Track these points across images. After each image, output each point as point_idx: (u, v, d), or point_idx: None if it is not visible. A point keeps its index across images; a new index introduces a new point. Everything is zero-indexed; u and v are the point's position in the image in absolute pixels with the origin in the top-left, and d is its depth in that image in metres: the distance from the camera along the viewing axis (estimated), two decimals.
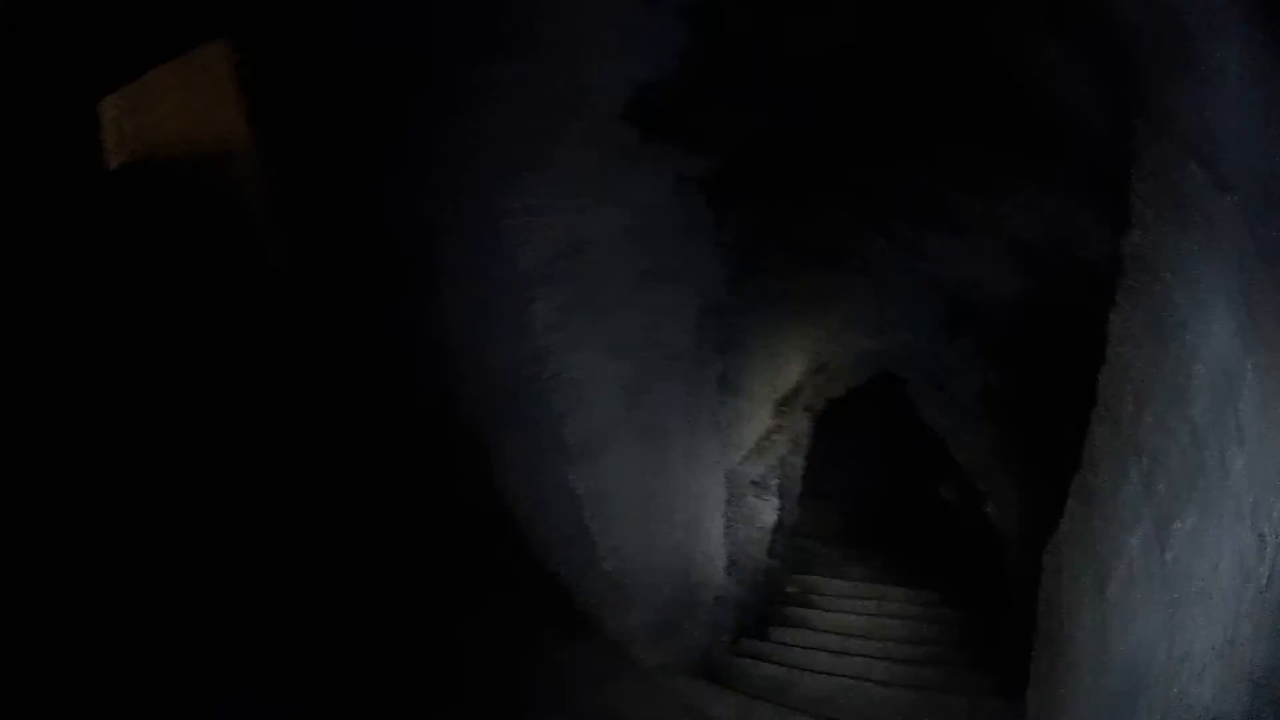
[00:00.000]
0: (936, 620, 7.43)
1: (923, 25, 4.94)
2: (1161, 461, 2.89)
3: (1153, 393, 3.04)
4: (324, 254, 4.03)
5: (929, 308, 7.06)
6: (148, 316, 3.63)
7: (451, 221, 3.79)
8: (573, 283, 4.06)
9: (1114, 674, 3.12)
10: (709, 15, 4.15)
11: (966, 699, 5.19)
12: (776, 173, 5.83)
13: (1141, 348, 3.19)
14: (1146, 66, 3.03)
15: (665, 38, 4.09)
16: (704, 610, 5.64)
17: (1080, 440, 4.14)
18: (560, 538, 4.45)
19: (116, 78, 3.51)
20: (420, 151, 3.67)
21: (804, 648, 6.23)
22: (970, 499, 8.53)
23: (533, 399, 4.10)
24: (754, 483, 7.35)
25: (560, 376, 4.09)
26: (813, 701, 5.05)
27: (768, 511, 7.62)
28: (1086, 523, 3.86)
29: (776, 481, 7.80)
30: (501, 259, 3.80)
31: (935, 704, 5.12)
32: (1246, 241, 2.29)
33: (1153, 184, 3.06)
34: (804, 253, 6.55)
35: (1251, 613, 2.10)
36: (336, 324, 4.17)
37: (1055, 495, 6.29)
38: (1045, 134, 5.06)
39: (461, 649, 3.98)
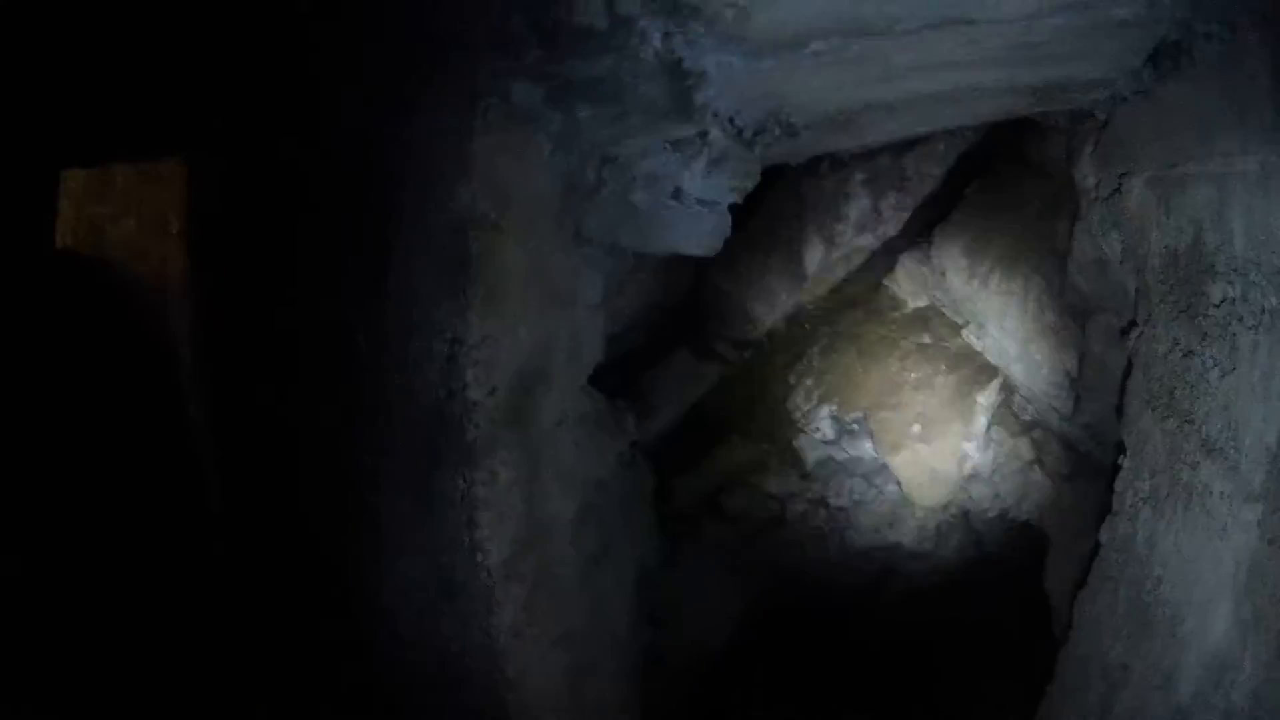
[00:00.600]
0: None
1: None
2: None
3: (1130, 680, 3.17)
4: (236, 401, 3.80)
5: (854, 570, 7.13)
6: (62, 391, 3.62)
7: (411, 499, 3.45)
8: (532, 579, 3.78)
9: None
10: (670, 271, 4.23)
11: None
12: (715, 441, 5.93)
13: (1120, 638, 3.33)
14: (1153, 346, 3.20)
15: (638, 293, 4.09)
16: None
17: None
18: None
19: (79, 157, 3.60)
20: (358, 421, 3.44)
21: None
22: None
23: (483, 695, 3.74)
24: None
25: (517, 680, 3.73)
26: None
27: None
28: None
29: None
30: (467, 552, 3.46)
31: None
32: (1257, 543, 2.49)
33: (1157, 480, 3.22)
34: (737, 523, 6.63)
35: None
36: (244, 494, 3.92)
37: None
38: (995, 405, 5.28)
39: None
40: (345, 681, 3.91)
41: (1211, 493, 2.72)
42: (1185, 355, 2.98)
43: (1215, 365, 2.76)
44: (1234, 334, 2.68)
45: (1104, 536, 3.59)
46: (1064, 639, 3.90)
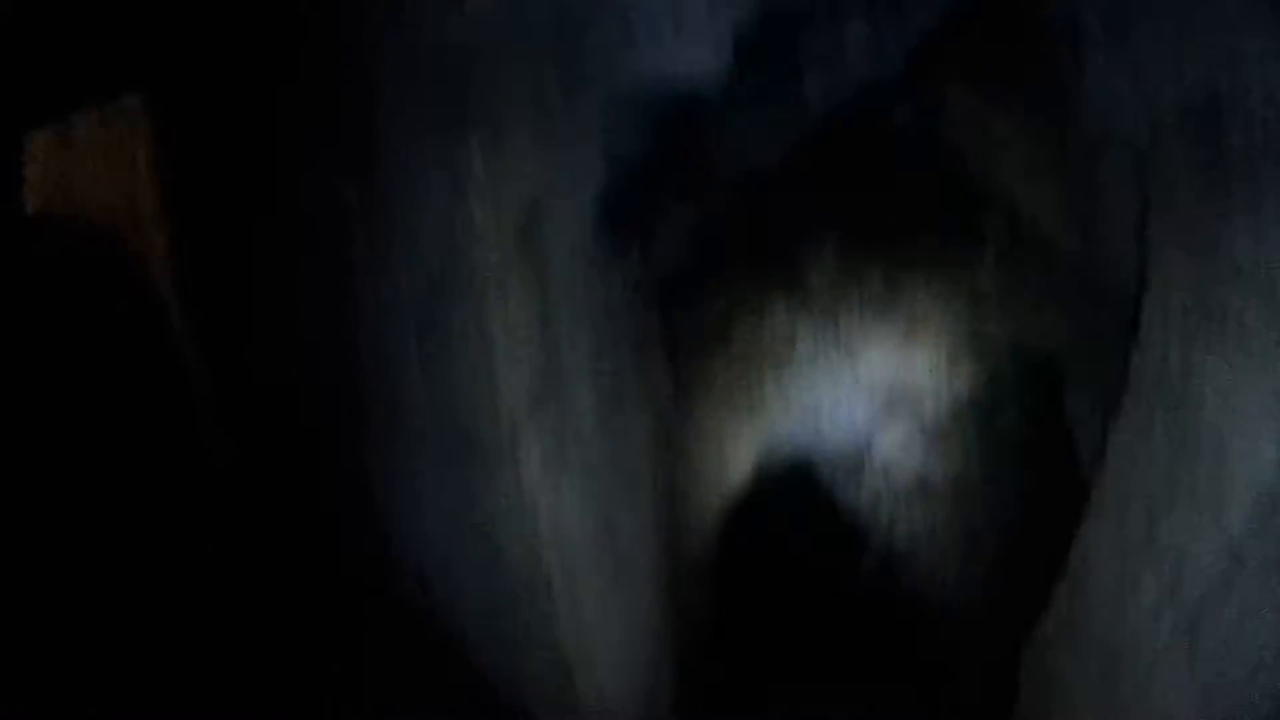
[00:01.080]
0: None
1: None
2: (1190, 571, 3.05)
3: (1176, 505, 3.20)
4: (230, 341, 3.73)
5: (865, 403, 7.20)
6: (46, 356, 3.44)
7: (416, 337, 3.37)
8: (556, 411, 3.74)
9: None
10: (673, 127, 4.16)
11: None
12: (721, 274, 5.90)
13: (1160, 459, 3.35)
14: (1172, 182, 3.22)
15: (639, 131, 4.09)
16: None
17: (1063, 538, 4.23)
18: (538, 676, 4.09)
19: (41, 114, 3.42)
20: (354, 261, 3.34)
21: None
22: (903, 580, 8.55)
23: (513, 542, 3.73)
24: (694, 579, 7.27)
25: (547, 519, 3.73)
26: None
27: (711, 612, 7.53)
28: (1085, 622, 4.00)
29: (713, 588, 7.73)
30: (484, 386, 3.41)
31: None
32: None
33: (1184, 307, 3.20)
34: (747, 355, 6.61)
35: None
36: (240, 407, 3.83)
37: (1012, 586, 6.40)
38: (1002, 230, 5.28)
39: None
40: (363, 560, 3.88)
41: (1245, 323, 2.71)
42: (1206, 192, 2.96)
43: (1241, 201, 2.74)
44: (1257, 173, 2.65)
45: (1134, 364, 3.61)
46: (1096, 469, 3.98)
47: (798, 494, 8.68)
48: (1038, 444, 6.27)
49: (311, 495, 3.78)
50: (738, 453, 7.02)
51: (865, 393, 7.21)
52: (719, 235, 5.66)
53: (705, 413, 6.56)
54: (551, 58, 3.59)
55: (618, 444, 4.49)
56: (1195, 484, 3.05)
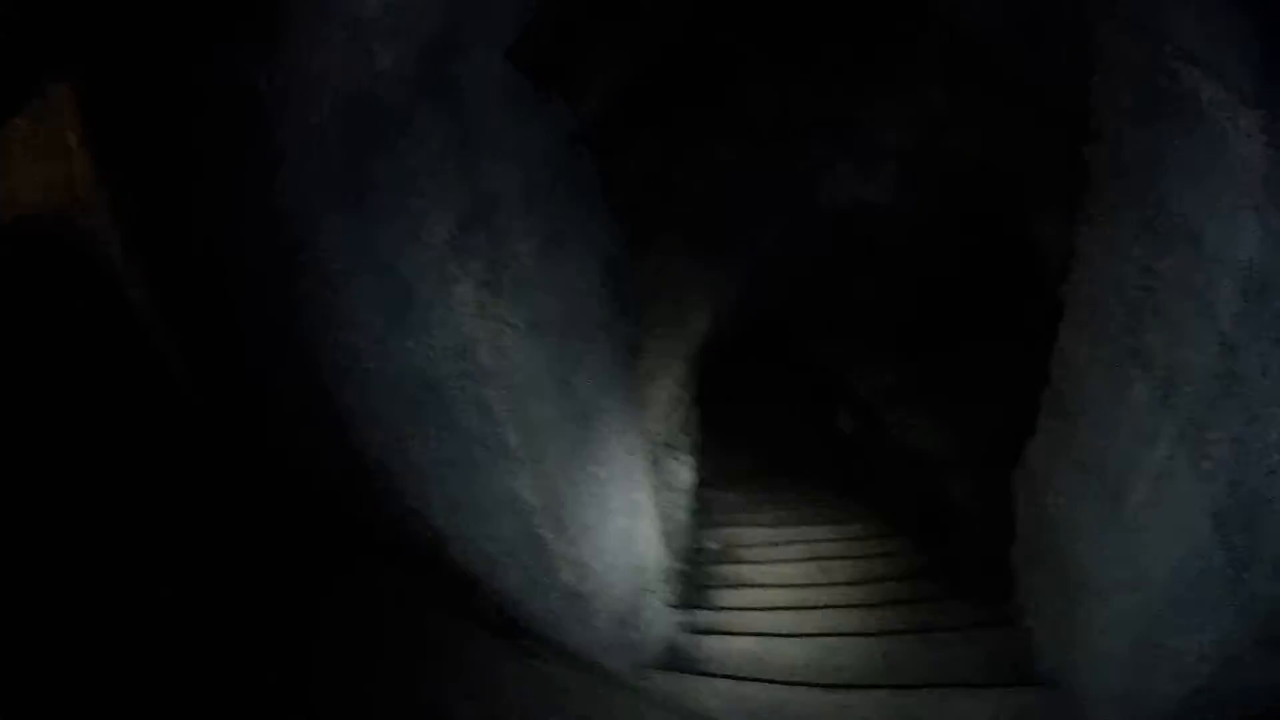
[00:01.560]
0: (877, 555, 7.37)
1: None
2: (1182, 372, 2.84)
3: (1157, 303, 2.97)
4: (186, 279, 3.60)
5: (824, 240, 7.05)
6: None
7: (343, 193, 3.23)
8: (489, 253, 3.57)
9: (1156, 588, 3.10)
10: None
11: (955, 634, 5.11)
12: (659, 117, 5.70)
13: (1132, 259, 3.11)
14: None
15: None
16: (657, 594, 5.44)
17: (1036, 356, 4.11)
18: (506, 552, 3.99)
19: None
20: (270, 121, 3.15)
21: (761, 609, 6.05)
22: (874, 429, 8.58)
23: (461, 398, 3.58)
24: (667, 444, 7.20)
25: (493, 369, 3.58)
26: (797, 669, 4.89)
27: (683, 471, 7.49)
28: (1070, 439, 3.80)
29: (685, 437, 7.69)
30: (409, 234, 3.28)
31: (925, 647, 5.02)
32: (1266, 151, 2.28)
33: (1135, 94, 2.97)
34: (694, 201, 6.40)
35: None
36: (208, 353, 3.76)
37: (991, 415, 6.39)
38: (951, 49, 5.06)
39: (408, 690, 3.68)
40: (324, 453, 3.83)
41: (1200, 99, 2.54)
42: None
43: None
44: None
45: (1090, 157, 3.42)
46: (1065, 270, 3.80)
47: (763, 337, 8.64)
48: (1008, 261, 6.15)
49: (268, 398, 3.80)
50: (695, 298, 6.82)
51: (823, 227, 7.01)
52: (658, 71, 5.42)
53: (657, 257, 6.33)
54: None
55: (563, 289, 4.35)
56: (1174, 278, 2.89)
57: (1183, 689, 2.86)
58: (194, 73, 3.18)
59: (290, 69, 3.09)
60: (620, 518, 4.82)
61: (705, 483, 8.51)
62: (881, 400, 7.93)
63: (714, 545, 7.81)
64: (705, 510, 8.30)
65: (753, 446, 10.94)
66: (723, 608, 6.09)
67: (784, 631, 5.43)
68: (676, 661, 5.10)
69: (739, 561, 7.39)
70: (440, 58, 3.36)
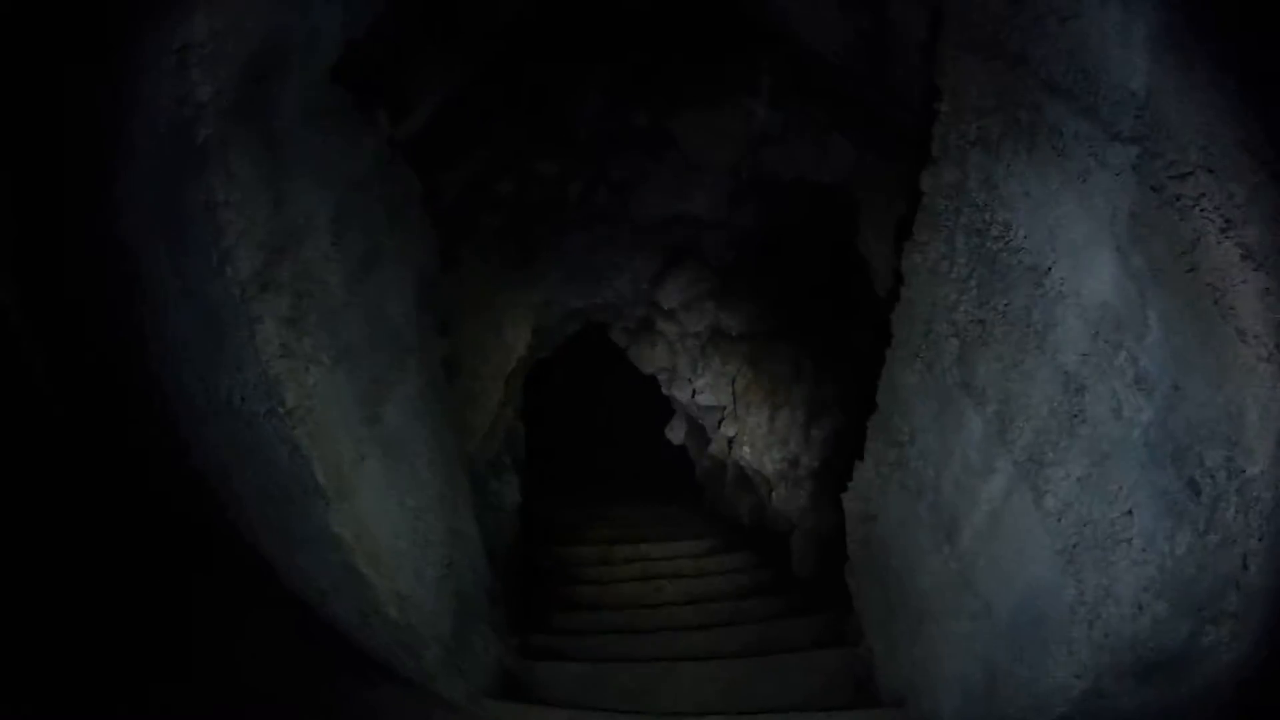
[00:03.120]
0: (713, 573, 7.34)
1: None
2: (1019, 408, 2.82)
3: (992, 337, 2.95)
4: (48, 289, 3.48)
5: (646, 250, 7.01)
6: None
7: (159, 221, 3.18)
8: (294, 287, 3.45)
9: (1000, 618, 3.07)
10: None
11: (794, 655, 5.09)
12: (480, 131, 5.60)
13: (968, 290, 3.09)
14: None
15: None
16: (486, 620, 5.30)
17: (866, 377, 4.11)
18: (333, 585, 3.91)
19: None
20: (108, 142, 3.08)
21: (595, 633, 5.95)
22: (700, 441, 8.59)
23: (273, 436, 3.45)
24: (490, 463, 7.06)
25: (299, 408, 3.43)
26: (634, 695, 4.80)
27: (509, 492, 7.35)
28: (900, 465, 3.79)
29: (509, 458, 7.57)
30: (217, 268, 3.16)
31: (764, 669, 4.98)
32: (1136, 188, 2.22)
33: (985, 121, 2.94)
34: (516, 212, 6.28)
35: (1191, 554, 2.15)
36: (67, 365, 3.59)
37: (824, 433, 6.43)
38: (782, 65, 5.04)
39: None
40: (151, 471, 3.78)
41: (1063, 134, 2.49)
42: (1012, 2, 2.75)
43: (1052, 13, 2.54)
44: None
45: (926, 184, 3.38)
46: (893, 295, 3.77)
47: (582, 353, 8.57)
48: (832, 285, 6.18)
49: (125, 417, 3.72)
50: (514, 314, 6.70)
51: (643, 238, 6.98)
52: (480, 86, 5.30)
53: (474, 272, 6.18)
54: None
55: (375, 314, 4.19)
56: (1012, 312, 2.86)
57: (1041, 718, 2.83)
58: (54, 78, 3.11)
59: (124, 91, 3.00)
60: (441, 548, 4.68)
61: (534, 501, 8.39)
62: (714, 414, 7.91)
63: (547, 565, 7.69)
64: (537, 530, 8.18)
65: (584, 461, 10.86)
66: (557, 631, 5.95)
67: (619, 656, 5.32)
68: (511, 688, 4.99)
69: (573, 582, 7.27)
70: (259, 83, 3.24)
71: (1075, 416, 2.55)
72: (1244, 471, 2.02)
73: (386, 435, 4.17)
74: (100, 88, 3.02)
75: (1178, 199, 2.09)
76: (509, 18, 4.88)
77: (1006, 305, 2.88)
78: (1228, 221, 1.99)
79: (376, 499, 4.01)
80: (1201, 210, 2.04)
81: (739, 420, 7.50)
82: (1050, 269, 2.62)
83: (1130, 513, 2.36)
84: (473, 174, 5.77)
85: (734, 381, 7.41)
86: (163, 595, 3.66)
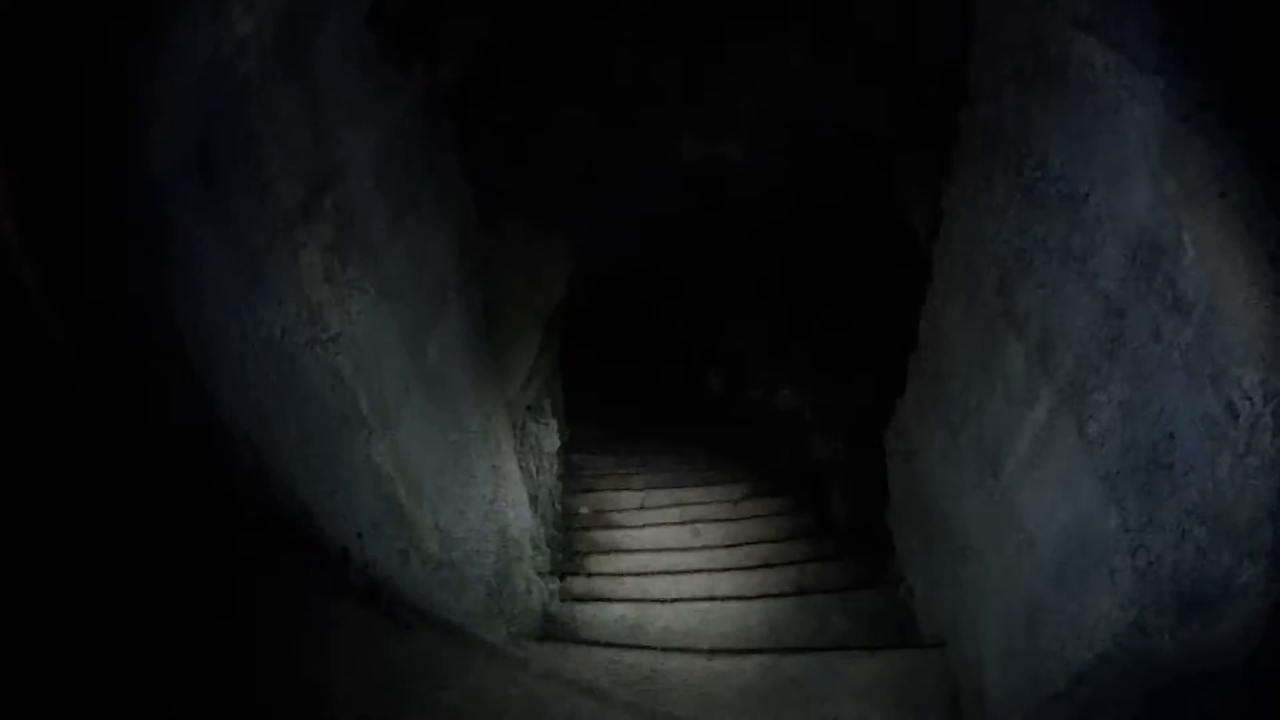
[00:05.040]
0: (752, 517, 7.38)
1: None
2: (1060, 335, 2.82)
3: (1032, 266, 2.95)
4: (68, 247, 3.45)
5: (686, 200, 6.98)
6: None
7: (195, 164, 3.14)
8: (336, 219, 3.49)
9: (1043, 550, 3.08)
10: None
11: (835, 596, 5.12)
12: (514, 81, 5.59)
13: (1006, 221, 3.08)
14: None
15: None
16: (527, 563, 5.36)
17: (903, 319, 4.10)
18: (372, 523, 3.88)
19: None
20: (136, 88, 3.03)
21: (636, 574, 6.01)
22: (740, 387, 8.59)
23: (315, 366, 3.49)
24: (529, 408, 7.10)
25: (343, 335, 3.49)
26: (675, 635, 4.86)
27: (549, 436, 7.39)
28: (942, 401, 3.79)
29: (549, 403, 7.61)
30: (257, 200, 3.20)
31: (804, 611, 5.02)
32: (1165, 117, 2.22)
33: (1019, 58, 2.93)
34: (553, 161, 6.26)
35: (1231, 478, 2.13)
36: (89, 334, 3.60)
37: (861, 377, 6.42)
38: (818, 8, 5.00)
39: (288, 668, 3.60)
40: (193, 431, 3.60)
41: (1094, 67, 2.50)
42: None
43: None
44: None
45: (964, 121, 3.40)
46: (934, 233, 3.79)
47: (618, 301, 8.57)
48: (869, 223, 6.15)
49: (146, 378, 3.50)
50: (551, 260, 6.71)
51: (681, 185, 6.95)
52: (514, 37, 5.28)
53: (511, 220, 6.19)
54: None
55: (416, 255, 4.25)
56: (1050, 240, 2.86)
57: (1083, 654, 2.83)
58: (81, 27, 2.96)
59: (156, 36, 2.97)
60: (484, 485, 4.74)
61: (574, 447, 8.44)
62: (749, 360, 7.91)
63: (585, 510, 7.74)
64: (575, 475, 8.23)
65: (622, 408, 10.87)
66: (597, 574, 6.00)
67: (660, 597, 5.36)
68: (553, 630, 5.06)
69: (612, 526, 7.33)
70: (297, 24, 3.26)
71: (1116, 340, 2.56)
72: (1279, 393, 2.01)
73: (429, 371, 4.22)
74: (127, 35, 2.99)
75: (1204, 128, 2.10)
76: None
77: (1045, 233, 2.87)
78: (1254, 149, 1.99)
79: (419, 432, 4.06)
80: (1229, 139, 2.05)
81: (779, 365, 7.50)
82: (1088, 195, 2.62)
83: (1171, 436, 2.36)
84: (507, 124, 5.76)
85: (774, 326, 7.39)
86: (191, 553, 3.69)
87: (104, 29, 2.97)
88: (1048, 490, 3.03)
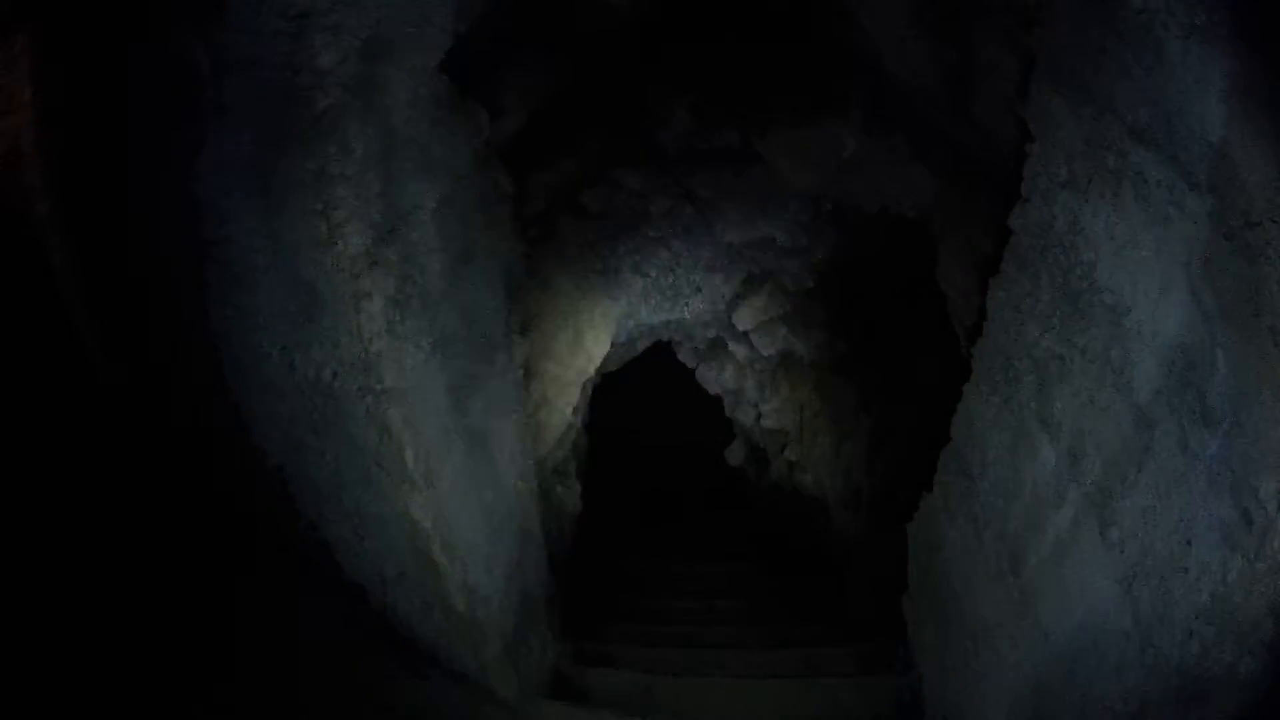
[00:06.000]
0: (769, 593, 7.41)
1: None
2: (1092, 442, 2.90)
3: (1070, 372, 3.03)
4: (107, 253, 3.50)
5: (726, 271, 7.09)
6: None
7: (257, 191, 3.17)
8: (401, 270, 3.51)
9: (1055, 644, 3.16)
10: None
11: (845, 680, 5.15)
12: (571, 139, 5.72)
13: (1050, 327, 3.17)
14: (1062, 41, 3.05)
15: None
16: (543, 620, 5.39)
17: (934, 412, 4.17)
18: (399, 571, 3.94)
19: None
20: (196, 103, 3.09)
21: (647, 644, 6.02)
22: (760, 464, 8.63)
23: (362, 415, 3.51)
24: (556, 470, 7.15)
25: (396, 389, 3.50)
26: (682, 707, 4.89)
27: (571, 499, 7.43)
28: (969, 497, 3.85)
29: (574, 465, 7.65)
30: (325, 241, 3.21)
31: (814, 690, 5.04)
32: (1210, 234, 2.32)
33: (1074, 164, 3.02)
34: (601, 222, 6.39)
35: (1241, 581, 2.23)
36: (120, 332, 3.62)
37: (883, 461, 6.48)
38: (871, 93, 5.13)
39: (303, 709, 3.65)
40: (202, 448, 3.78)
41: (1146, 180, 2.57)
42: (1099, 50, 2.79)
43: (1137, 62, 2.61)
44: (1158, 38, 2.48)
45: (1016, 223, 3.46)
46: (975, 332, 3.85)
47: (657, 367, 8.63)
48: (910, 314, 6.22)
49: (174, 388, 3.72)
50: (594, 323, 6.80)
51: (724, 259, 7.06)
52: (571, 95, 5.43)
53: (558, 278, 6.31)
54: None
55: (468, 310, 4.29)
56: (1091, 349, 2.93)
57: None
58: (140, 39, 3.11)
59: (227, 52, 3.02)
60: (509, 544, 4.76)
61: (594, 511, 8.46)
62: (771, 434, 7.96)
63: (602, 575, 7.76)
64: (594, 540, 8.25)
65: (644, 476, 10.90)
66: (610, 640, 6.02)
67: (670, 668, 5.39)
68: (564, 691, 5.06)
69: (628, 593, 7.36)
70: (376, 61, 3.31)
71: (1145, 450, 2.63)
72: None
73: (472, 427, 4.25)
74: (197, 44, 3.03)
75: (1247, 246, 2.18)
76: (607, 24, 4.99)
77: (1087, 342, 2.95)
78: None
79: (458, 489, 4.09)
80: (1266, 258, 2.12)
81: (802, 446, 7.55)
82: (1130, 309, 2.70)
83: (1189, 543, 2.44)
84: (560, 182, 5.90)
85: (801, 408, 7.44)
86: (210, 579, 3.66)
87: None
88: (1067, 588, 3.10)
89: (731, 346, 7.87)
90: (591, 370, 6.85)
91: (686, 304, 7.28)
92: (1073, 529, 3.06)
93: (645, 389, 9.89)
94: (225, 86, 3.04)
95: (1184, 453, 2.46)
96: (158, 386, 3.75)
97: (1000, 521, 3.61)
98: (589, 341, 6.75)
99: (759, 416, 7.94)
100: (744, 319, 7.38)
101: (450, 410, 4.05)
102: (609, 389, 8.40)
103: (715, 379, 8.28)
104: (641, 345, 8.14)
